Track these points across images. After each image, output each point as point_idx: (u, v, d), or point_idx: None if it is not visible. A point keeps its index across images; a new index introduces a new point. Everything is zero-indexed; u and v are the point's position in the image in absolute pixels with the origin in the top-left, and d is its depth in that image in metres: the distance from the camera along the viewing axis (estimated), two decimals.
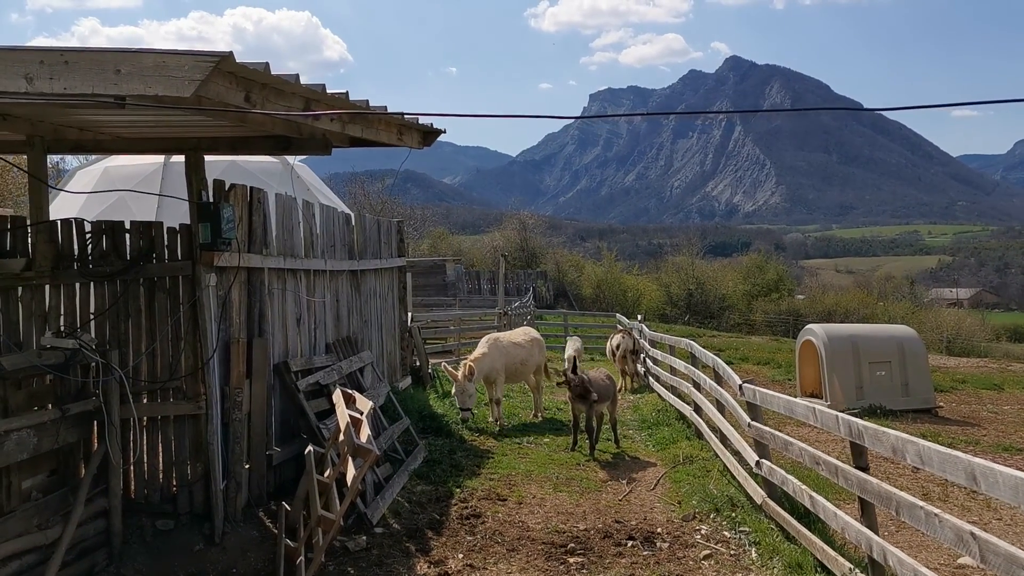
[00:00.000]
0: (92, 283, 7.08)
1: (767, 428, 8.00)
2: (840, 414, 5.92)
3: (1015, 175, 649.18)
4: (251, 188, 7.79)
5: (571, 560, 7.18)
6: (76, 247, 7.10)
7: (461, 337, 22.98)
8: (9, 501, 5.95)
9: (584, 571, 6.94)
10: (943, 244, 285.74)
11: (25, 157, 8.29)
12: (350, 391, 8.40)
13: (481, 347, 13.08)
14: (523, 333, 14.26)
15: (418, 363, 15.65)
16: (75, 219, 7.18)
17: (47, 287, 7.05)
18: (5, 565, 5.75)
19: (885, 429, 5.15)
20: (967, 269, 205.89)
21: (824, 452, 6.65)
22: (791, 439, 7.24)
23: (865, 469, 5.69)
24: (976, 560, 4.07)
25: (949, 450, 4.32)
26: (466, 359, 12.83)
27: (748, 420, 8.40)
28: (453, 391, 12.68)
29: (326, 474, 7.01)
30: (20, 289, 7.03)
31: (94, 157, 15.15)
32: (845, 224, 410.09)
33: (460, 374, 12.31)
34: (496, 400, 13.17)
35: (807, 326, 18.69)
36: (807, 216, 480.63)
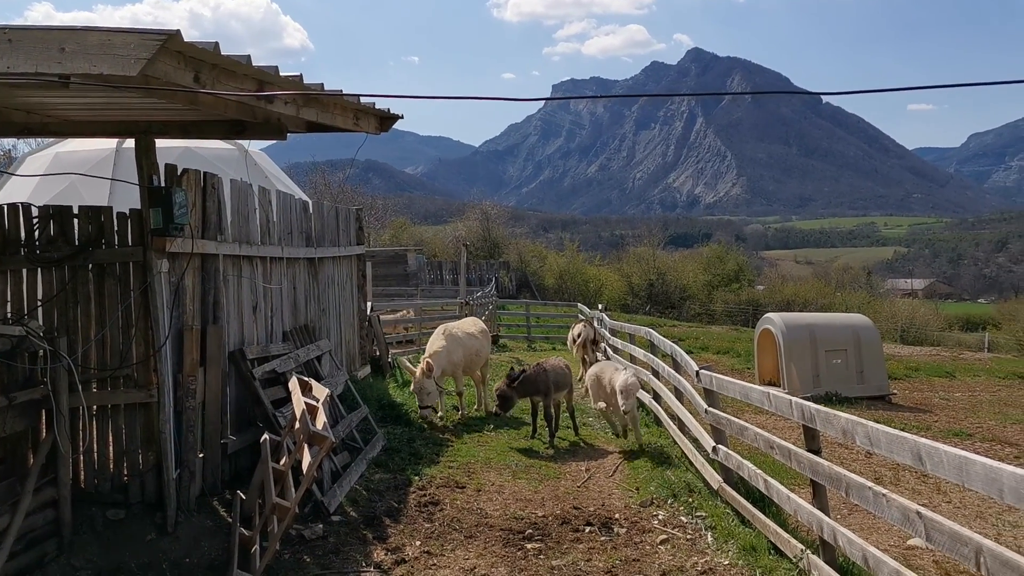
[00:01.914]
0: (39, 269, 6.94)
1: (723, 414, 8.08)
2: (793, 398, 5.99)
3: (968, 168, 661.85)
4: (204, 173, 7.68)
5: (529, 546, 7.19)
6: (23, 232, 6.95)
7: (421, 327, 22.88)
8: None
9: (542, 557, 6.95)
10: (899, 236, 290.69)
11: None
12: (306, 379, 8.34)
13: (438, 340, 12.52)
14: (472, 323, 13.80)
15: (378, 352, 15.57)
16: (22, 204, 7.02)
17: None
18: None
19: (836, 412, 5.22)
20: (922, 260, 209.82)
21: (780, 438, 6.73)
22: (747, 424, 7.31)
23: (817, 452, 5.77)
24: (922, 538, 4.14)
25: (896, 431, 4.39)
26: (424, 356, 12.38)
27: (705, 406, 8.47)
28: (412, 388, 12.27)
29: (282, 462, 6.96)
30: None
31: (47, 142, 14.84)
32: (804, 216, 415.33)
33: (418, 371, 11.87)
34: (458, 392, 12.87)
35: (766, 315, 18.91)
36: (767, 208, 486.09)
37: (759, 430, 6.93)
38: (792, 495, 6.18)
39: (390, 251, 43.85)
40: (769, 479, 6.62)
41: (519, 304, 36.77)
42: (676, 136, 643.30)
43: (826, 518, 5.55)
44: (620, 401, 10.16)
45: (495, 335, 24.16)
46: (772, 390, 6.73)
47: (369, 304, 15.37)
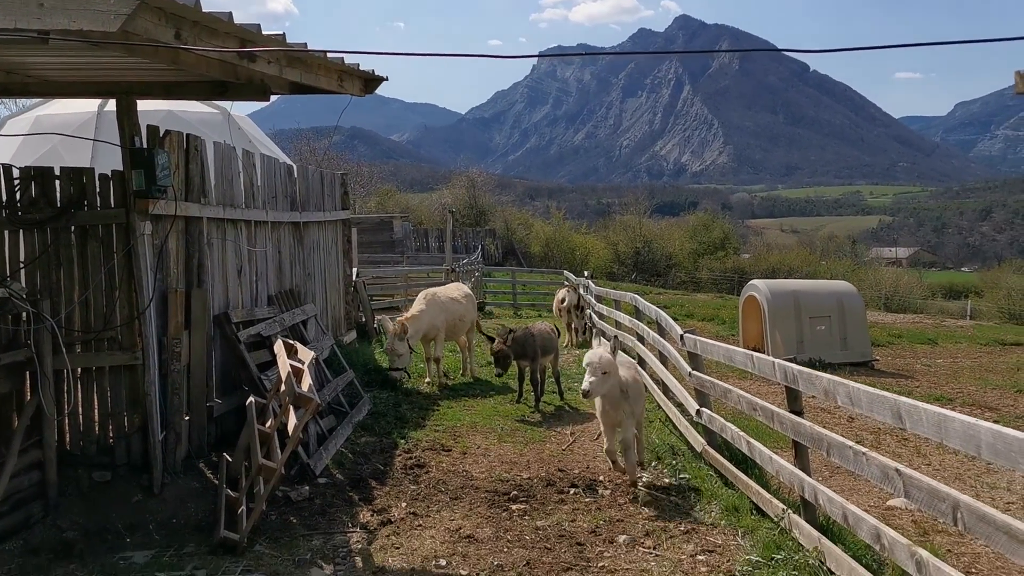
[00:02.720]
0: (21, 231, 6.88)
1: (707, 377, 8.14)
2: (776, 360, 6.04)
3: (954, 137, 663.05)
4: (187, 135, 7.61)
5: (514, 507, 7.26)
6: (3, 194, 6.88)
7: (407, 294, 22.85)
8: None
9: (527, 517, 7.02)
10: (884, 205, 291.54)
11: None
12: (292, 342, 8.35)
13: (418, 304, 12.40)
14: (456, 289, 13.68)
15: (363, 318, 15.56)
16: (2, 165, 6.94)
17: None
18: None
19: (818, 373, 5.27)
20: (906, 229, 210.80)
21: (763, 400, 6.79)
22: (730, 387, 7.38)
23: (800, 414, 5.82)
24: (900, 495, 4.20)
25: (876, 390, 4.44)
26: (400, 316, 12.32)
27: (689, 370, 8.52)
28: (385, 348, 12.10)
29: (268, 424, 6.98)
30: None
31: (27, 104, 14.65)
32: (790, 184, 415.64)
33: (391, 331, 11.71)
34: (436, 359, 12.65)
35: (751, 282, 19.02)
36: (753, 176, 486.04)
37: (742, 392, 7.00)
38: (774, 456, 6.25)
39: (376, 218, 43.62)
40: (752, 441, 6.69)
41: (505, 271, 36.78)
42: (663, 104, 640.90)
43: (807, 478, 5.62)
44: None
45: (481, 302, 24.18)
46: (756, 353, 6.78)
47: (355, 270, 15.34)
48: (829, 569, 5.14)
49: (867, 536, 4.62)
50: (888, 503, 7.42)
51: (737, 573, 5.64)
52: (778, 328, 16.51)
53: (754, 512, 6.65)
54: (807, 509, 5.69)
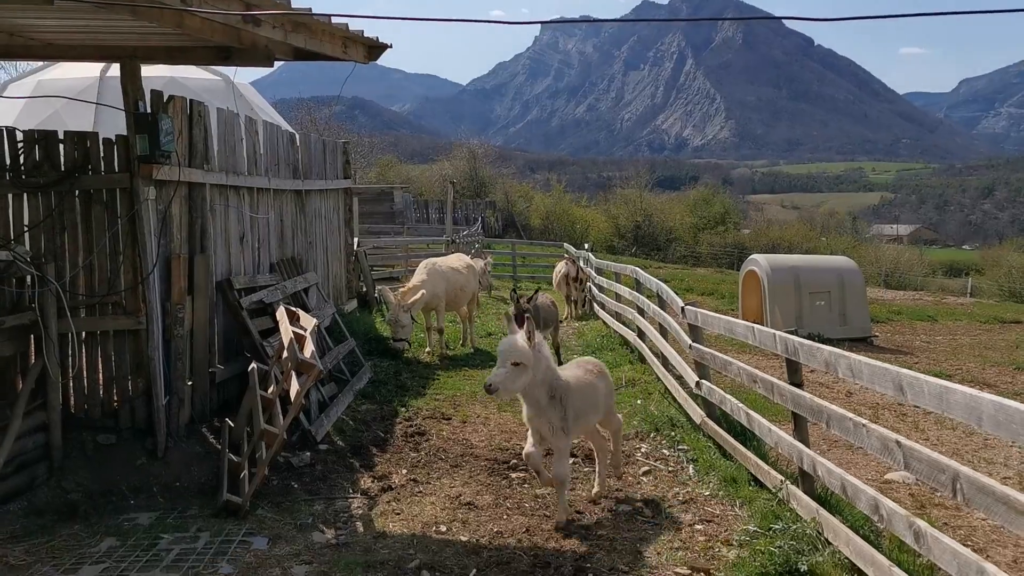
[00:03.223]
0: (25, 194, 6.87)
1: (707, 349, 8.17)
2: (777, 332, 6.06)
3: (958, 114, 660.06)
4: (191, 101, 7.59)
5: (513, 475, 7.32)
6: (7, 157, 6.87)
7: (407, 264, 22.88)
8: None
9: (526, 486, 7.08)
10: (886, 181, 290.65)
11: None
12: (294, 309, 8.37)
13: (419, 274, 12.44)
14: (458, 259, 13.75)
15: (364, 288, 15.58)
16: (6, 128, 6.93)
17: None
18: None
19: (819, 345, 5.29)
20: (908, 206, 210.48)
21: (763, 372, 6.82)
22: (730, 359, 7.41)
23: (799, 385, 5.86)
24: (900, 467, 4.23)
25: (877, 362, 4.46)
26: (402, 286, 12.36)
27: (689, 342, 8.56)
28: (386, 319, 12.20)
29: (270, 390, 7.02)
30: None
31: (28, 69, 14.58)
32: (792, 160, 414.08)
33: (394, 301, 11.79)
34: (438, 329, 12.74)
35: (751, 256, 19.02)
36: (755, 151, 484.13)
37: (742, 364, 7.03)
38: (773, 427, 6.29)
39: (376, 189, 43.54)
40: (751, 412, 6.73)
41: (505, 243, 36.74)
42: (665, 77, 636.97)
43: (806, 449, 5.67)
44: None
45: None
46: (756, 325, 6.80)
47: (356, 239, 15.34)
48: (827, 539, 5.19)
49: (865, 507, 4.67)
50: (886, 476, 7.48)
51: (735, 542, 5.70)
52: (778, 303, 16.53)
53: (752, 483, 6.71)
54: (805, 480, 5.74)
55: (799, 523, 5.55)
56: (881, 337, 17.27)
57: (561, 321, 14.94)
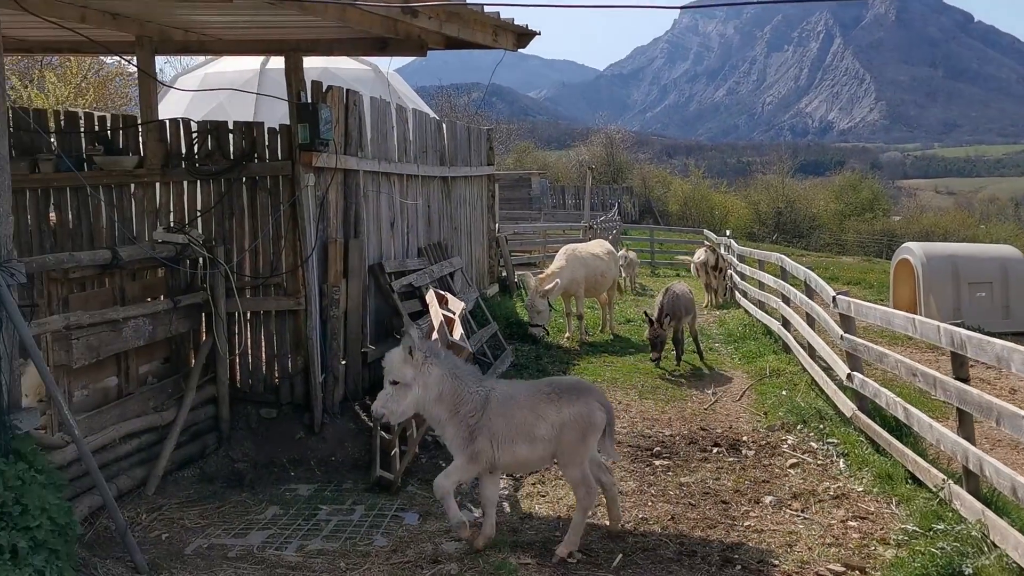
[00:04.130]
0: (198, 181, 7.33)
1: (861, 340, 7.88)
2: (942, 324, 5.79)
3: None
4: (347, 90, 7.88)
5: (657, 463, 7.30)
6: (183, 146, 7.34)
7: (545, 250, 23.00)
8: (128, 384, 6.33)
9: (670, 473, 7.05)
10: None
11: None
12: (443, 292, 8.59)
13: (558, 260, 12.44)
14: (599, 245, 13.70)
15: (504, 273, 15.80)
16: (182, 119, 7.40)
17: (157, 184, 7.34)
18: (127, 442, 6.16)
19: (989, 338, 5.03)
20: None
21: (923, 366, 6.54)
22: (886, 350, 7.12)
23: (965, 381, 5.58)
24: None
25: None
26: (540, 273, 12.40)
27: (841, 332, 8.26)
28: (525, 304, 12.28)
29: None
30: (133, 186, 7.35)
31: (194, 64, 15.47)
32: (948, 143, 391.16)
33: (532, 287, 11.87)
34: (578, 315, 12.73)
35: (904, 244, 18.15)
36: (907, 134, 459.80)
37: (900, 356, 6.75)
38: (934, 424, 6.02)
39: (514, 175, 43.92)
40: (909, 407, 6.46)
41: (642, 230, 36.43)
42: (811, 58, 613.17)
43: (972, 447, 5.40)
44: None
45: None
46: (918, 317, 6.51)
47: (496, 225, 15.56)
48: (993, 542, 4.94)
49: None
50: None
51: (892, 541, 5.51)
52: (933, 294, 15.71)
53: (909, 481, 6.44)
54: (970, 480, 5.47)
55: (963, 524, 5.30)
56: None
57: (704, 308, 14.75)
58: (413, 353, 5.19)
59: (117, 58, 11.78)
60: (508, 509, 6.22)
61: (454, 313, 7.53)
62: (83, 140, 7.63)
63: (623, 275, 14.71)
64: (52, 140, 7.54)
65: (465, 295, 10.39)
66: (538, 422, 5.22)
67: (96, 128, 7.68)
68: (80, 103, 17.08)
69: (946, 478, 5.86)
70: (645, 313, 11.46)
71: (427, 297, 8.34)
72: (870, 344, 7.64)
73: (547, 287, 11.81)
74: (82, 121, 7.75)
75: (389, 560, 5.26)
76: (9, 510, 4.11)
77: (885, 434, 7.06)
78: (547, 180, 50.09)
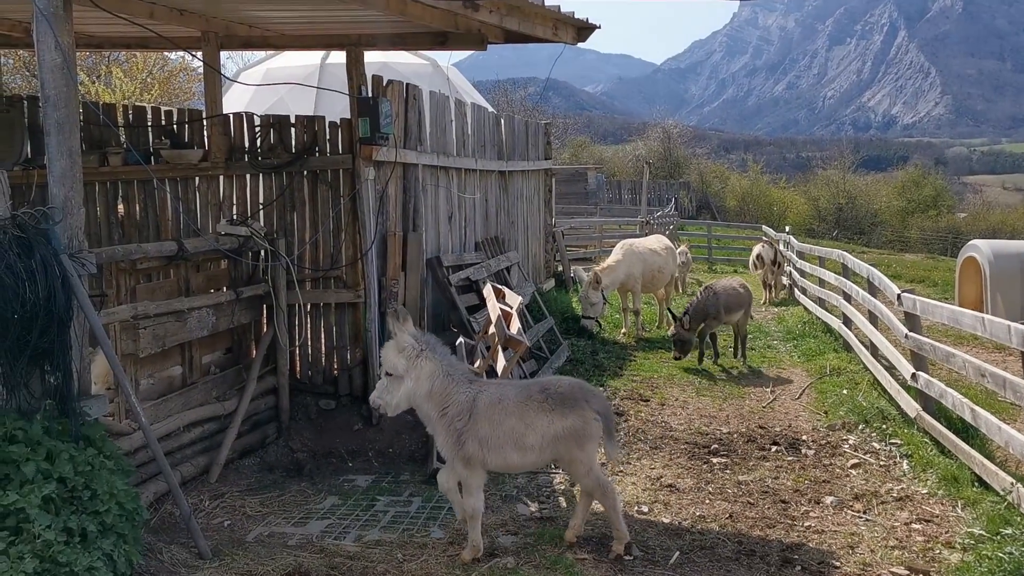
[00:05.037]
0: (260, 174, 7.45)
1: (927, 339, 7.69)
2: (1013, 324, 5.62)
3: None
4: (407, 85, 7.93)
5: (714, 460, 7.22)
6: (247, 140, 7.47)
7: (601, 244, 22.92)
8: (191, 373, 6.47)
9: (728, 471, 6.97)
10: None
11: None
12: (500, 286, 8.61)
13: (615, 254, 12.34)
14: (656, 240, 13.49)
15: (560, 268, 15.79)
16: (245, 113, 7.53)
17: (221, 177, 7.48)
18: (190, 430, 6.30)
19: None
20: None
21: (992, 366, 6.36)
22: (954, 350, 6.94)
23: None
24: None
25: None
26: (595, 267, 12.33)
27: (906, 331, 8.08)
28: (578, 297, 12.21)
29: (476, 365, 7.26)
30: (197, 179, 7.50)
31: (256, 59, 15.73)
32: (1016, 138, 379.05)
33: (586, 280, 11.75)
34: (635, 310, 12.61)
35: (970, 242, 17.66)
36: (974, 129, 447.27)
37: (968, 357, 6.57)
38: (1004, 426, 5.85)
39: (570, 169, 43.80)
40: (977, 408, 6.29)
41: (700, 225, 36.07)
42: (874, 51, 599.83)
43: None
44: None
45: None
46: (987, 316, 6.33)
47: (553, 219, 15.54)
48: None
49: None
50: None
51: (958, 545, 5.37)
52: (1001, 293, 15.26)
53: (975, 484, 6.27)
54: None
55: None
56: None
57: (761, 305, 14.51)
58: (398, 342, 5.01)
59: (181, 54, 12.02)
60: (563, 503, 6.22)
61: (511, 307, 7.54)
62: (150, 134, 7.82)
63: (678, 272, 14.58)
64: (121, 134, 7.73)
65: (521, 289, 10.40)
66: (528, 431, 5.02)
67: (163, 122, 7.86)
68: (146, 98, 17.51)
69: (1014, 481, 5.69)
70: (669, 311, 11.32)
71: (484, 291, 8.36)
72: (937, 343, 7.45)
73: (605, 280, 11.74)
74: (149, 115, 7.95)
75: (446, 552, 5.30)
76: (79, 495, 4.23)
77: (951, 435, 6.89)
78: (603, 175, 49.82)
